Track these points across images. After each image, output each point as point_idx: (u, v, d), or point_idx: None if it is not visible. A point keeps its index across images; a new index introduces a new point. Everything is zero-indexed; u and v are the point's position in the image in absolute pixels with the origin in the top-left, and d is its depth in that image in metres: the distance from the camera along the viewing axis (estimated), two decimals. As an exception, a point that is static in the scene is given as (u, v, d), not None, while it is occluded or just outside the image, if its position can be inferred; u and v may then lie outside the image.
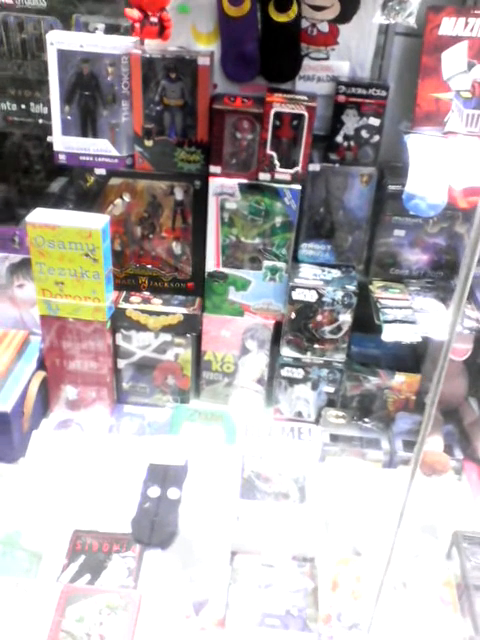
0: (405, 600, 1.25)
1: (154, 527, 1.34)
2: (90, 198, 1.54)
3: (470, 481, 1.55)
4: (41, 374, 1.61)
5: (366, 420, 1.66)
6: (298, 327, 1.60)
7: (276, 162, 1.43)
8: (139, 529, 1.34)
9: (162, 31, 1.34)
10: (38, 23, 1.46)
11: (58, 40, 1.37)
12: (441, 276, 1.61)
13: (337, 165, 1.48)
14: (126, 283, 1.65)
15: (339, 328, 1.59)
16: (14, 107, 1.56)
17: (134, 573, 1.27)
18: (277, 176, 1.45)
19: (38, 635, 1.15)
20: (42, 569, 1.28)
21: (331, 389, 1.67)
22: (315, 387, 1.67)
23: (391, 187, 1.48)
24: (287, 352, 1.64)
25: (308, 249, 1.59)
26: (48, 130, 1.49)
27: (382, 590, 1.02)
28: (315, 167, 1.47)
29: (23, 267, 1.65)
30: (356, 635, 1.19)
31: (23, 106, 1.56)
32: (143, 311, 1.61)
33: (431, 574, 1.30)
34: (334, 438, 1.60)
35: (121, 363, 1.68)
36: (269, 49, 1.42)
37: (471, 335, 1.50)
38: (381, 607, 1.05)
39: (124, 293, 1.65)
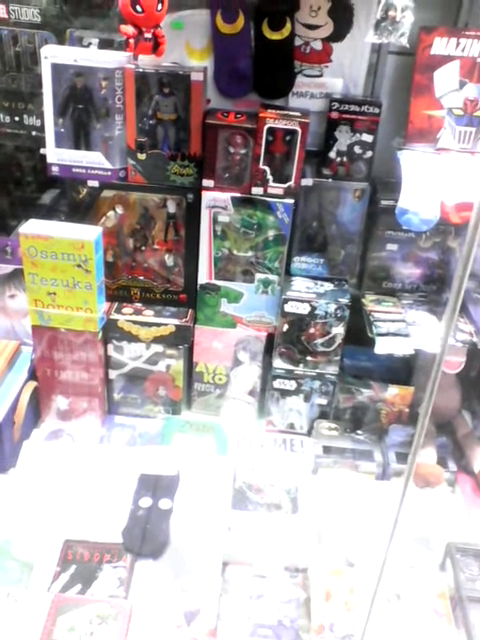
0: (399, 611, 1.32)
1: (145, 537, 1.41)
2: (82, 210, 1.65)
3: (463, 493, 1.64)
4: (32, 384, 1.70)
5: (359, 432, 1.76)
6: (291, 339, 1.72)
7: (269, 177, 1.55)
8: (130, 539, 1.41)
9: (156, 47, 1.44)
10: (32, 37, 1.57)
11: (52, 54, 1.48)
12: (434, 290, 1.73)
13: (330, 180, 1.59)
14: (118, 294, 1.76)
15: (332, 340, 1.70)
16: (7, 119, 1.67)
17: (125, 583, 1.34)
18: (270, 190, 1.57)
19: (29, 644, 1.22)
20: (33, 579, 1.35)
21: (324, 401, 1.77)
22: (308, 399, 1.77)
23: (384, 202, 1.60)
24: (279, 364, 1.74)
25: (301, 262, 1.71)
26: (41, 142, 1.59)
27: (375, 601, 1.06)
28: (308, 182, 1.58)
29: (15, 277, 1.76)
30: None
31: (16, 118, 1.67)
32: (135, 322, 1.70)
33: (425, 586, 1.38)
34: (327, 450, 1.69)
35: (112, 374, 1.77)
36: (262, 66, 1.54)
37: (464, 348, 1.61)
38: (374, 618, 1.07)
39: (116, 304, 1.75)
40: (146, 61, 1.51)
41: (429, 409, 0.90)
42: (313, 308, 1.66)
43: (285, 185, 1.56)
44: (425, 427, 0.91)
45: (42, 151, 1.59)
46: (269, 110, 1.52)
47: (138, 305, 1.76)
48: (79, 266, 1.55)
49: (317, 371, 1.74)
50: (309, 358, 1.73)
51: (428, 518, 1.53)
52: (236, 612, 1.32)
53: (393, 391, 1.75)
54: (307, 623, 1.31)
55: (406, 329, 1.62)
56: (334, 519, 1.51)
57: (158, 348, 1.74)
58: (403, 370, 1.81)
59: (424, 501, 1.57)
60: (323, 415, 1.80)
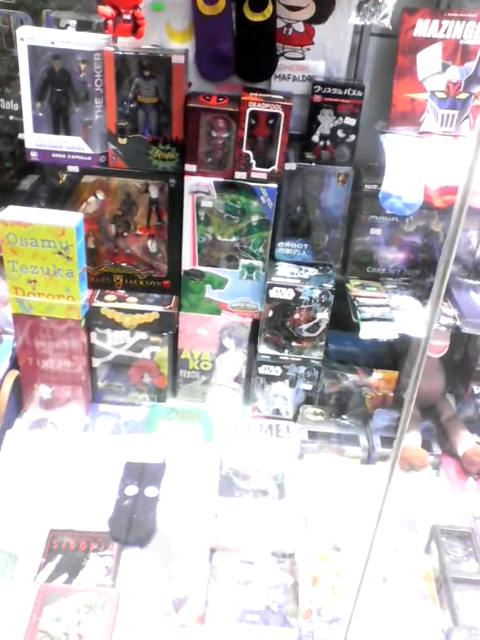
0: (385, 594, 1.34)
1: (132, 525, 1.42)
2: (62, 196, 1.61)
3: (448, 476, 1.66)
4: (14, 373, 1.68)
5: (344, 417, 1.76)
6: (275, 325, 1.71)
7: (252, 161, 1.53)
8: (117, 527, 1.41)
9: (135, 29, 1.42)
10: (7, 17, 1.54)
11: (29, 36, 1.44)
12: (417, 274, 1.73)
13: (313, 164, 1.58)
14: (101, 281, 1.74)
15: (317, 326, 1.70)
16: (-17, 103, 1.64)
17: (112, 572, 1.34)
18: (253, 175, 1.55)
19: (15, 635, 1.20)
20: (18, 569, 1.34)
21: (309, 386, 1.78)
22: (293, 385, 1.78)
23: (367, 186, 1.59)
24: (265, 350, 1.74)
25: (285, 248, 1.70)
26: (18, 127, 1.56)
27: (362, 585, 1.07)
28: (291, 166, 1.56)
29: (-6, 265, 1.73)
30: (336, 630, 1.27)
31: (-8, 102, 1.64)
32: (118, 309, 1.69)
33: (410, 568, 1.40)
34: (312, 435, 1.70)
35: (96, 362, 1.75)
36: (244, 48, 1.51)
37: (447, 332, 1.62)
38: (361, 602, 1.09)
39: (98, 291, 1.73)
40: (126, 43, 1.48)
41: (415, 393, 0.89)
42: (298, 294, 1.66)
43: (269, 169, 1.54)
44: (411, 412, 0.91)
45: (20, 136, 1.55)
46: (251, 93, 1.50)
47: (121, 292, 1.74)
48: (60, 253, 1.53)
49: (302, 357, 1.74)
50: (294, 344, 1.73)
51: (413, 501, 1.54)
52: (224, 598, 1.33)
53: (377, 376, 1.76)
54: (295, 608, 1.32)
55: (390, 314, 1.62)
56: (320, 504, 1.52)
57: (142, 335, 1.72)
58: (387, 355, 1.82)
59: (409, 484, 1.58)
60: (308, 400, 1.80)
